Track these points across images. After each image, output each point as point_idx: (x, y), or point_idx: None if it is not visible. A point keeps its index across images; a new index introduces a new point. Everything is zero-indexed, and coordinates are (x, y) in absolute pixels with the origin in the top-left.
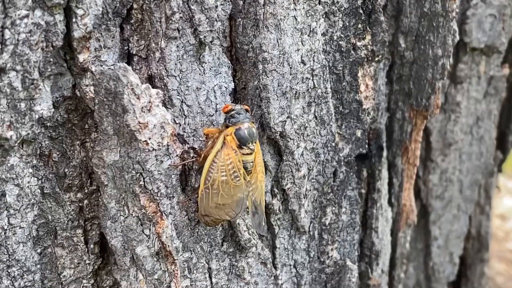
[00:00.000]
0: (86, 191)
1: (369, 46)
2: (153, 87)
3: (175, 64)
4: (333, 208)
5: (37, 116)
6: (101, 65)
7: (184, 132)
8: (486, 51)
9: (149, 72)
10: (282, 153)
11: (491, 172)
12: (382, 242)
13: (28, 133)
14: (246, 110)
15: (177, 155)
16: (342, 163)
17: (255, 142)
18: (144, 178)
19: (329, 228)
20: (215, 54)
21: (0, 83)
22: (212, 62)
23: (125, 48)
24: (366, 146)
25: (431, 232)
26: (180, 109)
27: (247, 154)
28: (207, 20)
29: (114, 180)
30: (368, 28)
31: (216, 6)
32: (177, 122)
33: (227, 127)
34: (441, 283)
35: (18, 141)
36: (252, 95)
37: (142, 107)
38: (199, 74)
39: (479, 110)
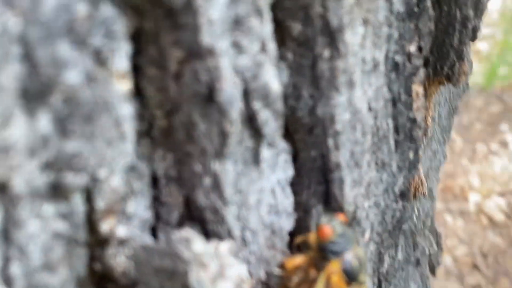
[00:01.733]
0: None
1: (416, 43)
2: (190, 215)
3: (234, 187)
4: (390, 251)
5: None
6: (129, 222)
7: (249, 263)
8: None
9: (185, 194)
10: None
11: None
12: None
13: None
14: (344, 222)
15: None
16: (398, 198)
17: (365, 272)
18: None
19: (387, 275)
20: (273, 143)
21: None
22: (270, 157)
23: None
24: (418, 164)
25: None
26: (241, 239)
27: None
28: (273, 115)
29: None
30: (417, 24)
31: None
32: (239, 256)
33: (324, 258)
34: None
35: None
36: (309, 168)
37: (213, 277)
38: (258, 180)
39: None
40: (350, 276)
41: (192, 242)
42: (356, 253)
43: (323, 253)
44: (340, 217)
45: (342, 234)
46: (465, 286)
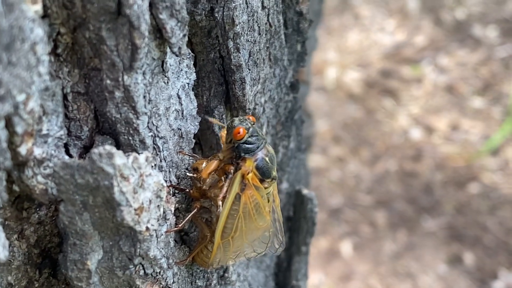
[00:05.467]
0: (36, 285)
1: None
2: (100, 128)
3: (144, 97)
4: (284, 142)
5: None
6: (44, 142)
7: (162, 170)
8: None
9: (94, 108)
10: None
11: None
12: None
13: None
14: (254, 123)
15: (172, 214)
16: (289, 91)
17: (276, 168)
18: (143, 266)
19: (281, 163)
20: (179, 52)
21: None
22: (174, 64)
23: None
24: (305, 56)
25: None
26: (153, 147)
27: (270, 186)
28: (179, 24)
29: (102, 281)
30: None
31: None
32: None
33: (238, 157)
34: None
35: None
36: (208, 71)
37: (134, 188)
38: (165, 88)
39: None
40: (264, 173)
41: (114, 156)
42: (268, 151)
43: (237, 153)
44: (250, 118)
45: (253, 134)
46: (329, 158)
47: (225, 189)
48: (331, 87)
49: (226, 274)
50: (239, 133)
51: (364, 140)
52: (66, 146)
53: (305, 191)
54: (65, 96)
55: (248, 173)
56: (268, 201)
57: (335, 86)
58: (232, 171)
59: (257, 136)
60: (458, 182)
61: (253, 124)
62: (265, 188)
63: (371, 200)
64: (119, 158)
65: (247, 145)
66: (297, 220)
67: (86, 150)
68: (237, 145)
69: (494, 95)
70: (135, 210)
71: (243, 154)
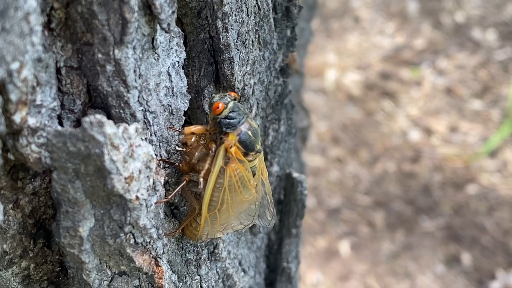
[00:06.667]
0: (31, 255)
1: None
2: (92, 103)
3: (134, 71)
4: (274, 125)
5: None
6: (38, 112)
7: (152, 144)
8: None
9: (87, 82)
10: None
11: None
12: None
13: None
14: (235, 99)
15: (162, 186)
16: (278, 75)
17: (260, 141)
18: (134, 235)
19: (271, 146)
20: (168, 29)
21: None
22: (164, 41)
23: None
24: (295, 41)
25: None
26: (144, 121)
27: (254, 159)
28: (168, 1)
29: (94, 249)
30: None
31: None
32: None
33: (221, 132)
34: None
35: None
36: (199, 50)
37: (124, 157)
38: (156, 65)
39: None
40: (247, 146)
41: (104, 125)
42: (250, 125)
43: (219, 128)
44: (230, 94)
45: (234, 109)
46: (328, 158)
47: (211, 161)
48: (330, 89)
49: (216, 250)
50: (218, 107)
51: (363, 141)
52: (59, 118)
53: (295, 174)
54: (58, 70)
55: (231, 147)
56: (254, 174)
57: (334, 88)
58: (217, 145)
59: (238, 111)
60: (456, 183)
61: (234, 99)
62: (250, 161)
63: (370, 201)
64: (110, 127)
65: (228, 120)
66: (288, 202)
67: (79, 123)
68: (218, 121)
69: (492, 97)
70: (125, 178)
71: (225, 129)
